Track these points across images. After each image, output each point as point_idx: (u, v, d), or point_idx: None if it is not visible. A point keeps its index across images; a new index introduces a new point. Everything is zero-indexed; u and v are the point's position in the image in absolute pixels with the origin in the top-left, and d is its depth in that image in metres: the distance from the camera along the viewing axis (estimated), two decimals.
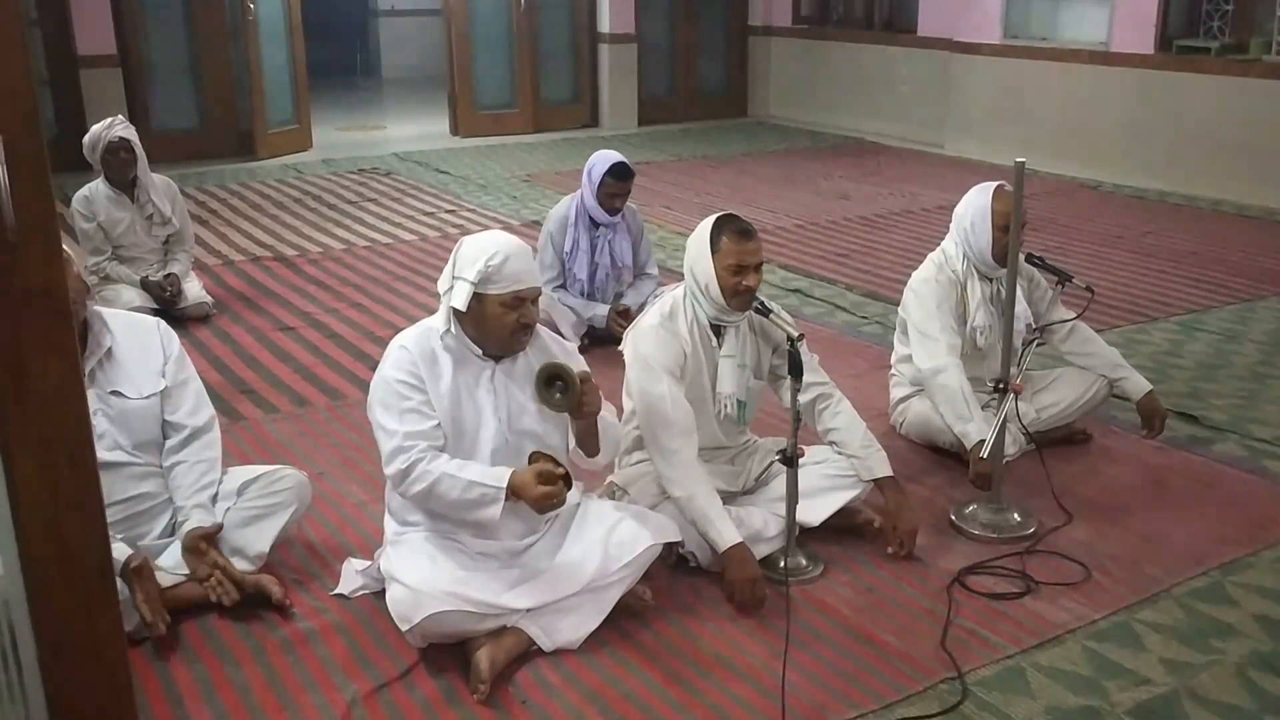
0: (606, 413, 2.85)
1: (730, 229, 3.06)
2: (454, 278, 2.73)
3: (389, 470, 2.71)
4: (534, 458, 2.70)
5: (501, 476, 2.66)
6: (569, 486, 2.68)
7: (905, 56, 10.52)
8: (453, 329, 2.76)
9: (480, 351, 2.78)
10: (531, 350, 2.84)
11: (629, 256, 5.01)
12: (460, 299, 2.69)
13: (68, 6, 8.88)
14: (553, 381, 2.65)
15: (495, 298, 2.68)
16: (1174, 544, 3.27)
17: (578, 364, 2.87)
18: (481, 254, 2.69)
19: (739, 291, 3.03)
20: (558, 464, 2.68)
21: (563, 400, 2.65)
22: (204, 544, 2.84)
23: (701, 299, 3.10)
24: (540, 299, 4.75)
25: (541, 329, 2.94)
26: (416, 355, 2.74)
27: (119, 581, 2.65)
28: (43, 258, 1.45)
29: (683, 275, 3.22)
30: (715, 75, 12.21)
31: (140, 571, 2.69)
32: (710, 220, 3.12)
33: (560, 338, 3.03)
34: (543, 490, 2.62)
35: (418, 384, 2.72)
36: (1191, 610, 2.93)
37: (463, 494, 2.65)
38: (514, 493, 2.65)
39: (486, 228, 7.24)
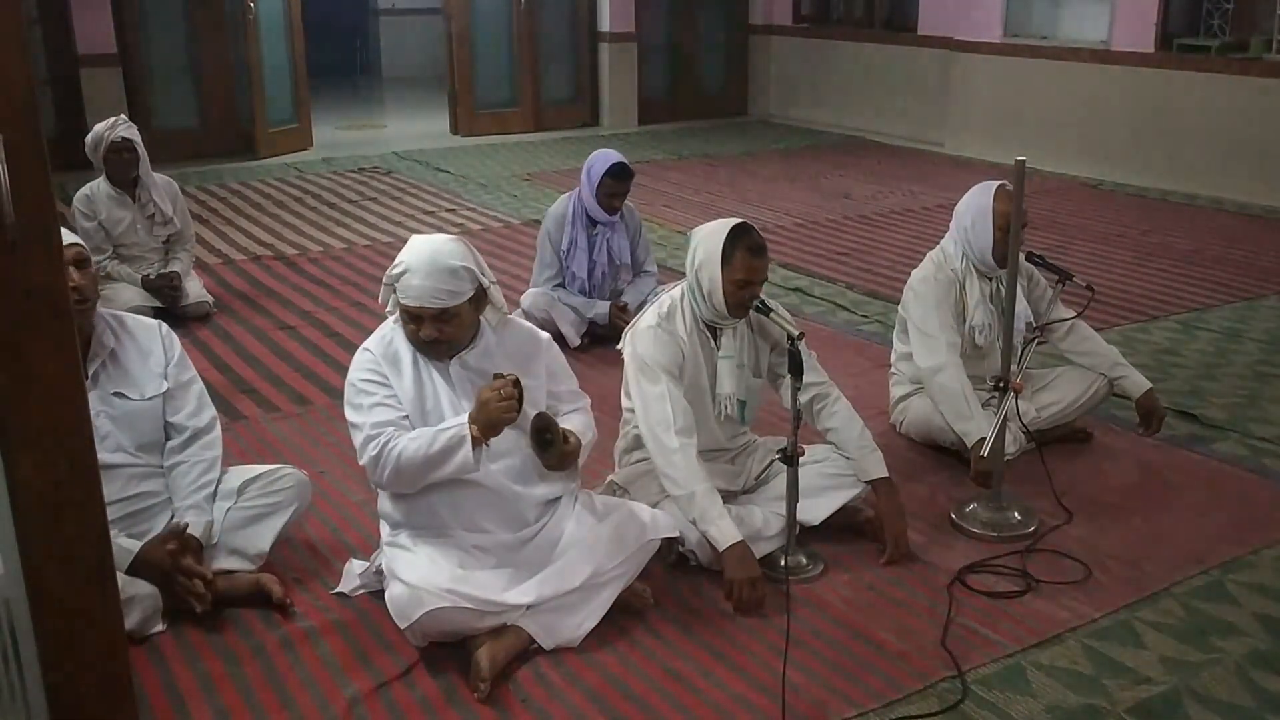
0: (585, 429, 2.89)
1: (744, 245, 3.04)
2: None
3: (363, 461, 2.74)
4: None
5: (461, 417, 2.68)
6: (521, 392, 2.65)
7: (906, 55, 10.52)
8: (396, 312, 2.81)
9: None
10: (499, 341, 2.85)
11: (627, 255, 5.02)
12: (380, 296, 2.81)
13: (68, 6, 8.87)
14: (542, 434, 2.70)
15: (401, 303, 2.73)
16: (1174, 543, 3.27)
17: (548, 353, 2.91)
18: (398, 258, 2.73)
19: (742, 303, 3.04)
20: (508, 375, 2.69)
21: (544, 453, 2.72)
22: (177, 544, 2.82)
23: (701, 301, 3.11)
24: (540, 299, 4.85)
25: (519, 321, 2.96)
26: (378, 355, 2.80)
27: (123, 577, 2.67)
28: (44, 258, 1.45)
29: (682, 273, 3.22)
30: (715, 74, 12.20)
31: (189, 543, 2.80)
32: (725, 229, 3.08)
33: (531, 328, 3.02)
34: (490, 394, 2.61)
35: (381, 380, 2.76)
36: (1192, 609, 2.93)
37: (430, 447, 2.65)
38: (474, 421, 2.64)
39: (487, 227, 7.25)
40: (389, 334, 2.83)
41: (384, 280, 2.78)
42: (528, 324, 3.03)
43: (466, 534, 2.80)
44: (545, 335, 3.00)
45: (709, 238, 3.09)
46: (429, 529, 2.79)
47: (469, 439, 2.64)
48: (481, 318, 2.82)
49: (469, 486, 2.76)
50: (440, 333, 2.71)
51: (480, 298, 2.76)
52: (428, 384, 2.79)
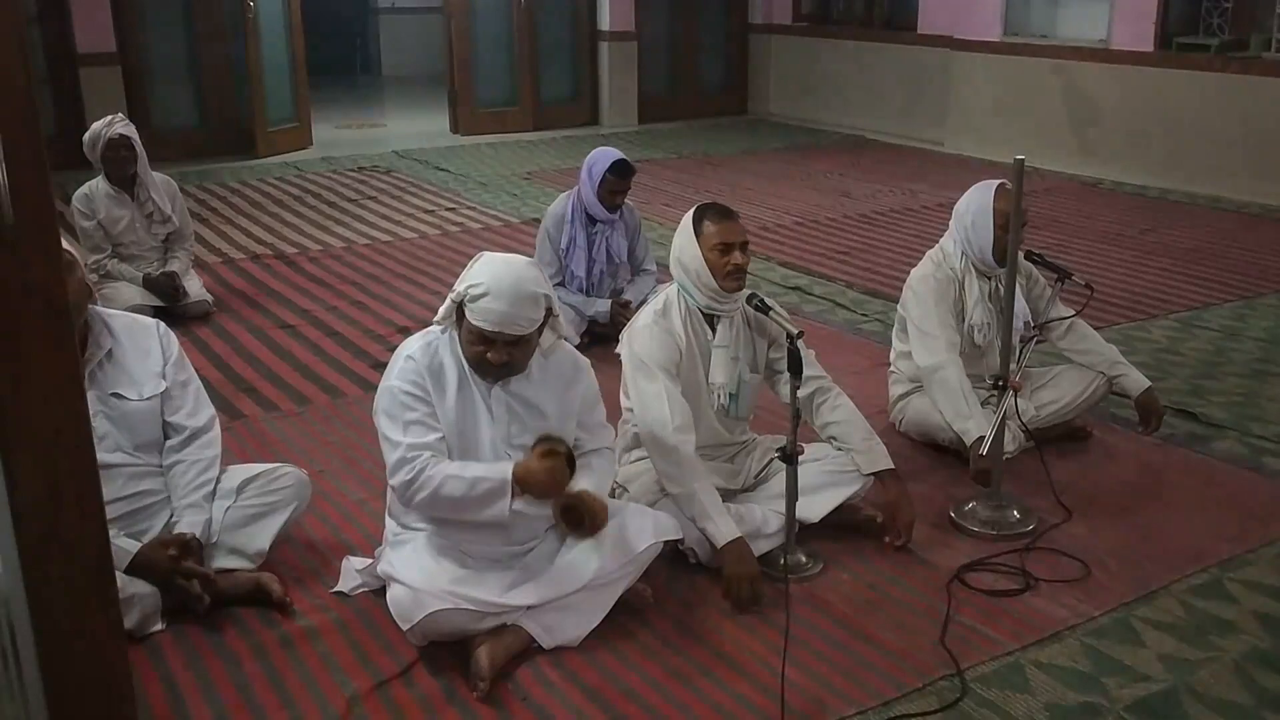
0: (605, 478, 2.91)
1: (711, 212, 3.12)
2: (454, 289, 2.73)
3: (394, 482, 2.70)
4: (537, 443, 2.69)
5: (505, 469, 2.65)
6: (572, 468, 2.67)
7: (905, 54, 10.52)
8: (449, 325, 2.75)
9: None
10: (540, 365, 2.81)
11: (625, 253, 5.03)
12: (441, 311, 2.72)
13: (67, 4, 8.86)
14: (569, 513, 2.73)
15: (468, 323, 2.66)
16: (1173, 541, 3.28)
17: (585, 382, 2.88)
18: (474, 276, 2.66)
19: (729, 271, 3.04)
20: (560, 442, 2.67)
21: (576, 530, 2.75)
22: (177, 550, 2.81)
23: (693, 288, 3.11)
24: None
25: (563, 344, 2.89)
26: (422, 366, 2.73)
27: (122, 576, 2.67)
28: (42, 257, 1.45)
29: None
30: (715, 72, 12.21)
31: (189, 545, 2.79)
32: (690, 211, 3.17)
33: (573, 353, 2.95)
34: (546, 465, 2.62)
35: (423, 395, 2.71)
36: (1190, 607, 2.94)
37: (469, 491, 2.63)
38: (519, 481, 2.63)
39: (487, 225, 7.25)
40: (434, 343, 2.77)
41: (452, 296, 2.69)
42: (570, 347, 2.96)
43: (474, 545, 2.79)
44: (585, 361, 2.95)
45: (679, 227, 3.18)
46: (437, 534, 2.79)
47: (510, 494, 2.62)
48: None
49: None
50: (510, 357, 2.67)
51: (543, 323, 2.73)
52: (469, 406, 2.75)
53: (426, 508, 2.71)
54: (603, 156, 4.85)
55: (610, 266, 5.01)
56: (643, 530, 2.85)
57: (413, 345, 2.78)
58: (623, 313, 4.74)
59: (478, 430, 2.75)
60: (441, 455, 2.70)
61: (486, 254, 2.75)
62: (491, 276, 2.63)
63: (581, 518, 2.73)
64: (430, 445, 2.68)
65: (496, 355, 2.65)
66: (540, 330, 2.72)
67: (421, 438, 2.67)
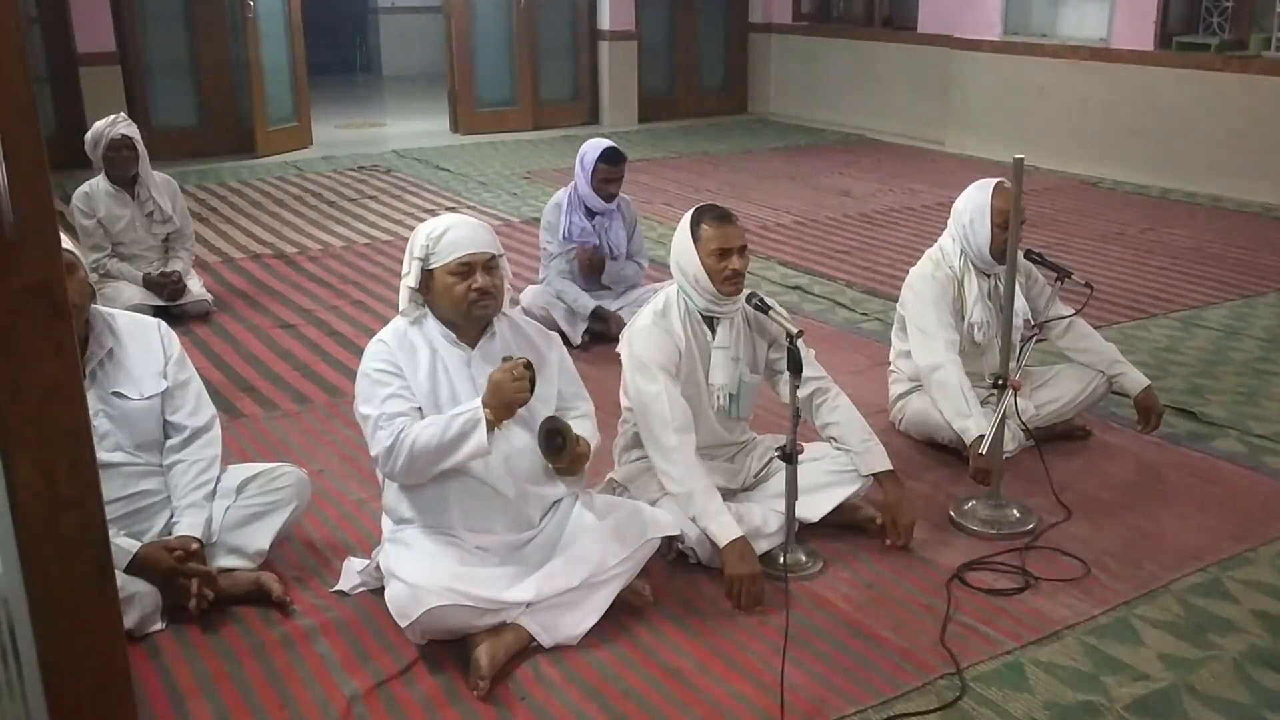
0: (591, 436, 2.88)
1: (709, 216, 3.11)
2: (410, 260, 2.79)
3: (374, 451, 2.73)
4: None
5: (474, 400, 2.68)
6: (532, 369, 2.66)
7: (905, 53, 10.52)
8: (416, 312, 2.80)
9: (454, 336, 2.80)
10: (514, 336, 2.87)
11: (624, 245, 5.07)
12: (411, 278, 2.78)
13: (67, 4, 8.87)
14: (553, 437, 2.71)
15: (442, 269, 2.73)
16: (1173, 540, 3.28)
17: (559, 352, 2.93)
18: (424, 234, 2.77)
19: (727, 276, 3.04)
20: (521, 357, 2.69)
21: (559, 456, 2.71)
22: (181, 552, 2.81)
23: (692, 291, 3.12)
24: (540, 296, 4.87)
25: (522, 317, 2.96)
26: (394, 346, 2.79)
27: (122, 575, 2.67)
28: (42, 256, 1.45)
29: None
30: (715, 72, 12.21)
31: (189, 546, 2.79)
32: (688, 213, 3.17)
33: (540, 326, 3.05)
34: (502, 375, 2.62)
35: (396, 371, 2.75)
36: (1190, 606, 2.94)
37: (444, 434, 2.64)
38: (489, 398, 2.64)
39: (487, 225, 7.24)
40: (403, 326, 2.83)
41: (416, 255, 2.76)
42: (535, 321, 3.03)
43: (472, 535, 2.80)
44: (554, 333, 3.02)
45: (678, 229, 3.18)
46: (435, 527, 2.79)
47: (484, 422, 2.63)
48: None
49: (482, 487, 2.77)
50: (491, 285, 2.73)
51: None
52: (442, 377, 2.78)
53: (407, 471, 2.71)
54: (593, 147, 4.91)
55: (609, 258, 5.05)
56: (640, 525, 2.86)
57: (384, 331, 2.86)
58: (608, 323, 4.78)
59: (455, 402, 2.77)
60: (418, 421, 2.72)
61: (419, 226, 2.85)
62: (442, 221, 2.80)
63: (563, 441, 2.70)
64: (405, 414, 2.71)
65: (481, 280, 2.72)
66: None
67: (396, 408, 2.71)
